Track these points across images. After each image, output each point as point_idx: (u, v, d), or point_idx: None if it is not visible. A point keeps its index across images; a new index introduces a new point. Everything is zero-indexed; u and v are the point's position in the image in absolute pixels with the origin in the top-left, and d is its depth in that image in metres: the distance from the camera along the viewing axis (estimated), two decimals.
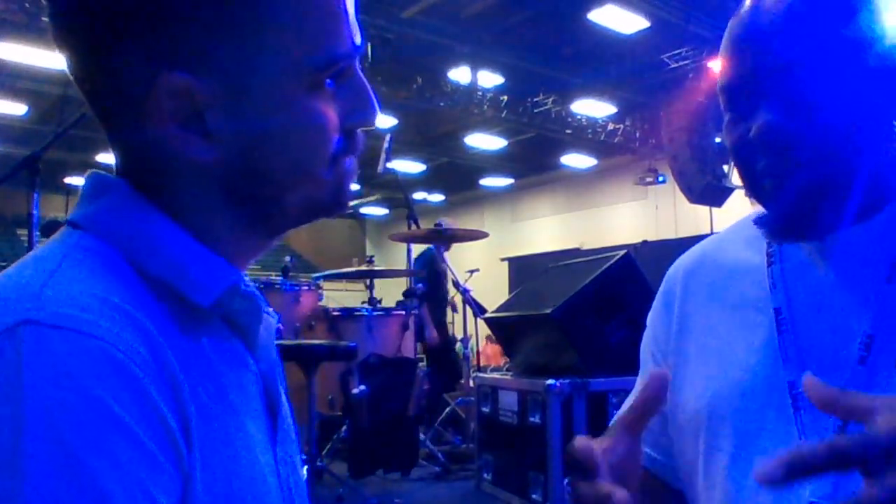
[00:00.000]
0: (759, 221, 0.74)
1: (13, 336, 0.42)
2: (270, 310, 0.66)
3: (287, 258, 4.60)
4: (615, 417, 0.92)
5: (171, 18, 0.50)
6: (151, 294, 0.50)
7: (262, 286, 4.38)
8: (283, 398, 0.65)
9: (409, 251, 4.94)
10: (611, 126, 12.98)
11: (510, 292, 5.15)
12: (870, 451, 0.48)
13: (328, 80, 0.56)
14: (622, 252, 3.13)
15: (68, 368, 0.41)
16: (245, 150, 0.54)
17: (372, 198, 18.52)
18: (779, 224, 0.72)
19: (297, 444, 0.66)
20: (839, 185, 0.69)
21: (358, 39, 0.58)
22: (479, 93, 11.36)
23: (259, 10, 0.51)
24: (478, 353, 6.53)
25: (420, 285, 4.55)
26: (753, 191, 0.73)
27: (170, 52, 0.51)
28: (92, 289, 0.46)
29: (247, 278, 0.64)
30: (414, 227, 4.49)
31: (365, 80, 0.59)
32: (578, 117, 12.62)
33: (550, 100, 11.91)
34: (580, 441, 0.62)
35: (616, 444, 0.62)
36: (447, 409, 4.77)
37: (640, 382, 0.92)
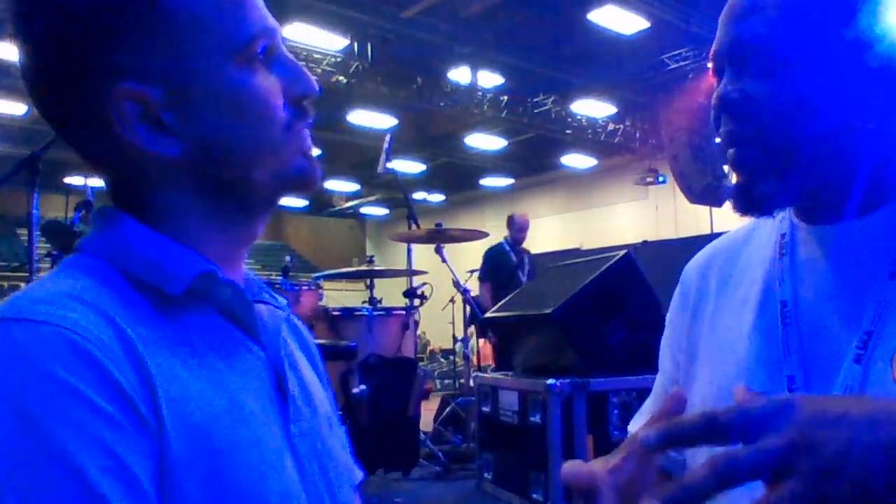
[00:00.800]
0: (730, 190, 0.75)
1: None
2: (285, 304, 0.73)
3: (287, 258, 4.60)
4: (631, 433, 0.93)
5: (108, 41, 0.58)
6: (135, 292, 0.58)
7: None
8: (305, 381, 0.71)
9: (409, 251, 4.94)
10: (611, 126, 12.97)
11: None
12: (741, 421, 0.50)
13: (257, 59, 0.62)
14: (622, 252, 3.13)
15: (26, 351, 0.50)
16: (205, 137, 0.61)
17: (372, 198, 18.52)
18: (735, 193, 0.73)
19: (328, 423, 0.71)
20: (794, 164, 0.69)
21: (271, 23, 0.64)
22: (479, 93, 11.35)
23: (174, 18, 0.59)
24: (478, 352, 6.53)
25: (487, 283, 4.55)
26: (727, 158, 0.75)
27: (116, 68, 0.58)
28: (61, 289, 0.55)
29: (253, 275, 0.71)
30: (414, 227, 4.49)
31: (291, 56, 0.66)
32: (578, 117, 12.61)
33: (550, 100, 11.90)
34: (573, 466, 0.61)
35: (626, 462, 0.61)
36: (447, 409, 4.77)
37: (658, 381, 0.92)
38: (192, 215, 0.63)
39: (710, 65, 0.76)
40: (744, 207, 0.73)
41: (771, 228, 0.81)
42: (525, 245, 6.24)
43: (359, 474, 0.78)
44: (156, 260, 0.60)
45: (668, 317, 0.91)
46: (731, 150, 0.72)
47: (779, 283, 0.76)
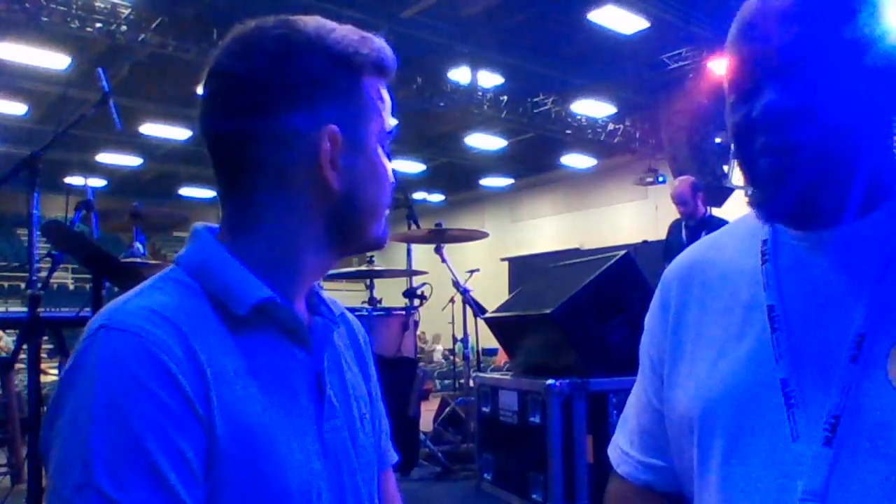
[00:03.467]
0: (754, 202, 0.74)
1: (96, 335, 0.67)
2: (338, 316, 0.89)
3: None
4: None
5: (325, 98, 0.77)
6: (209, 307, 0.73)
7: None
8: (347, 383, 0.85)
9: (409, 251, 4.94)
10: (611, 126, 12.97)
11: (510, 292, 5.12)
12: None
13: (386, 145, 0.82)
14: (622, 252, 3.13)
15: (119, 355, 0.65)
16: (354, 186, 0.79)
17: None
18: (774, 206, 0.72)
19: (360, 419, 0.85)
20: (838, 174, 0.69)
21: (394, 122, 0.84)
22: (479, 93, 11.35)
23: (362, 97, 0.79)
24: (478, 352, 6.52)
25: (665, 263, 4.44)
26: (750, 172, 0.73)
27: (326, 115, 0.77)
28: (148, 303, 0.70)
29: (319, 291, 0.88)
30: (414, 227, 4.49)
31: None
32: (578, 117, 12.61)
33: (550, 100, 11.90)
34: None
35: None
36: (447, 409, 4.77)
37: (638, 387, 0.93)
38: (303, 240, 0.79)
39: (714, 70, 0.75)
40: (802, 222, 0.72)
41: (746, 235, 0.81)
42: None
43: (391, 458, 0.97)
44: (228, 284, 0.74)
45: (647, 323, 0.91)
46: (764, 161, 0.70)
47: (764, 288, 0.76)
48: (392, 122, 0.85)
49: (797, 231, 0.75)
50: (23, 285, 12.08)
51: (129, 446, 0.63)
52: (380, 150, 0.82)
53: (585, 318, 2.94)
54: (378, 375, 0.98)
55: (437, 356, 13.84)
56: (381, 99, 0.83)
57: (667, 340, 0.86)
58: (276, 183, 0.77)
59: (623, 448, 0.93)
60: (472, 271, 5.67)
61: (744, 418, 0.73)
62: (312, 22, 0.80)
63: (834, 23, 0.67)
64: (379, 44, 0.83)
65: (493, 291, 8.95)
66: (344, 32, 0.81)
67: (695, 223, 4.84)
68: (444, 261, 4.39)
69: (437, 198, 18.84)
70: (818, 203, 0.70)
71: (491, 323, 3.63)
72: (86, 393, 0.64)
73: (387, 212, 0.85)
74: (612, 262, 3.05)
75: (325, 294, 0.91)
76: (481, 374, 3.75)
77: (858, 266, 0.70)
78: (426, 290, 4.38)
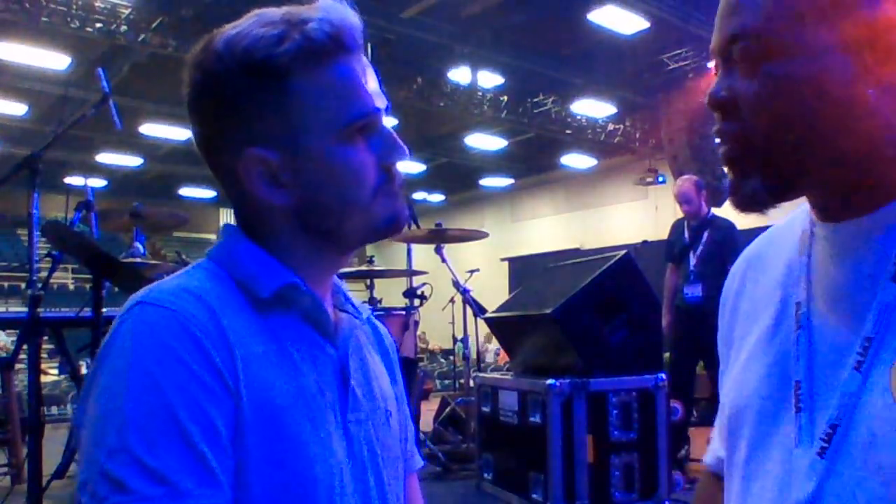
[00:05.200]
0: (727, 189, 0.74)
1: (132, 310, 0.71)
2: (364, 316, 0.90)
3: None
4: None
5: (243, 119, 0.75)
6: (238, 293, 0.76)
7: None
8: (371, 379, 0.85)
9: (409, 251, 4.94)
10: (611, 126, 12.97)
11: (510, 292, 5.12)
12: None
13: (360, 135, 0.76)
14: (622, 252, 3.13)
15: (153, 328, 0.69)
16: (308, 193, 0.77)
17: None
18: (730, 190, 0.70)
19: (385, 416, 0.85)
20: (779, 161, 0.66)
21: (379, 104, 0.78)
22: (479, 93, 11.35)
23: (295, 102, 0.74)
24: (478, 352, 6.53)
25: (669, 262, 4.55)
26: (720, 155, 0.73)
27: (247, 137, 0.76)
28: (182, 284, 0.74)
29: (344, 290, 0.88)
30: (414, 227, 4.49)
31: (390, 130, 0.80)
32: (578, 117, 12.60)
33: (550, 100, 11.90)
34: None
35: None
36: (447, 409, 4.77)
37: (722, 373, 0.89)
38: (293, 245, 0.79)
39: (710, 64, 0.75)
40: (737, 204, 0.70)
41: (798, 224, 0.77)
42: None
43: (417, 462, 0.97)
44: (253, 270, 0.77)
45: (719, 314, 0.89)
46: (721, 148, 0.70)
47: (796, 282, 0.73)
48: (372, 99, 0.77)
49: (823, 223, 0.71)
50: (23, 285, 12.08)
51: (163, 414, 0.65)
52: (342, 142, 0.75)
53: (585, 318, 2.94)
54: None
55: (490, 356, 12.88)
56: (337, 83, 0.75)
57: (725, 334, 0.84)
58: (241, 197, 0.79)
59: (713, 435, 0.90)
60: (472, 271, 5.67)
61: (764, 420, 0.70)
62: (227, 31, 0.76)
63: (774, 9, 0.64)
64: (319, 17, 0.74)
65: (493, 291, 8.95)
66: (260, 33, 0.74)
67: (697, 223, 4.74)
68: (444, 261, 4.39)
69: (437, 198, 18.83)
70: (760, 191, 0.67)
71: (491, 323, 3.63)
72: (121, 363, 0.67)
73: (377, 198, 0.78)
74: (612, 262, 3.05)
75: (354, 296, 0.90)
76: (481, 374, 3.75)
77: (871, 264, 0.66)
78: (426, 290, 4.38)
